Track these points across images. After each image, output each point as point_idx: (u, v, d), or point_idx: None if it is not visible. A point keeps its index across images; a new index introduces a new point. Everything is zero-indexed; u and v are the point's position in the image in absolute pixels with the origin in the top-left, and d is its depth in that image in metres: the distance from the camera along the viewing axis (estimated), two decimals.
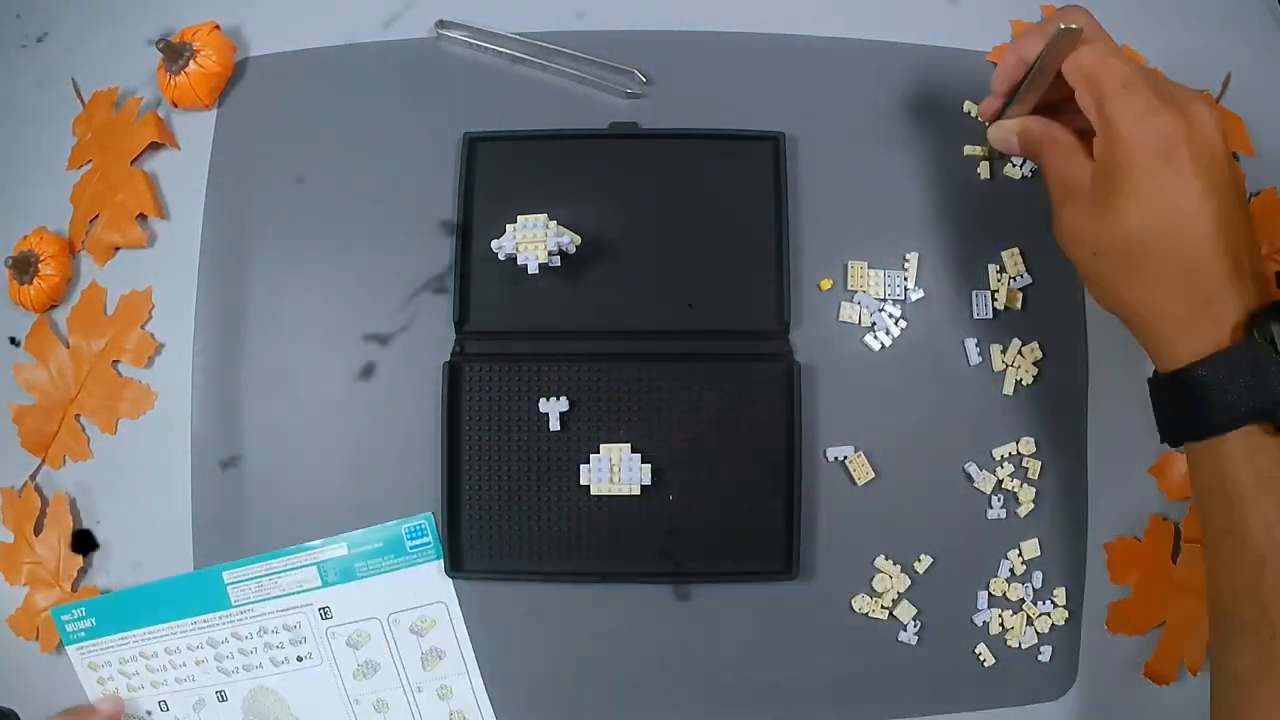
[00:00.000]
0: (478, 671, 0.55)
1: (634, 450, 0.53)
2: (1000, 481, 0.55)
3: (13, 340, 0.59)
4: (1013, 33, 0.59)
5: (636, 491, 0.53)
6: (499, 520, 0.55)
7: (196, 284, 0.58)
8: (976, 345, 0.56)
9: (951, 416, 0.56)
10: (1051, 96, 0.46)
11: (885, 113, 0.58)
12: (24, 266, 0.57)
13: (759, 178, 0.56)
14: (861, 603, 0.55)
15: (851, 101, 0.58)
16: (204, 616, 0.56)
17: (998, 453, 0.55)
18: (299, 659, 0.56)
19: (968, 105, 0.58)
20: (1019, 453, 0.56)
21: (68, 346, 0.58)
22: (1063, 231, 0.45)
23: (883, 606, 0.55)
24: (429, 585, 0.55)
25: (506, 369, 0.55)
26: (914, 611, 0.55)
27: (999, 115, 0.48)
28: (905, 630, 0.55)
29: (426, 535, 0.55)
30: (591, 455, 0.53)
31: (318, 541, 0.55)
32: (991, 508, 0.55)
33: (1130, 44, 0.59)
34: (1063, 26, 0.41)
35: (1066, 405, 0.56)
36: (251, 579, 0.56)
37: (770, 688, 0.55)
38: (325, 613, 0.56)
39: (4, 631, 0.58)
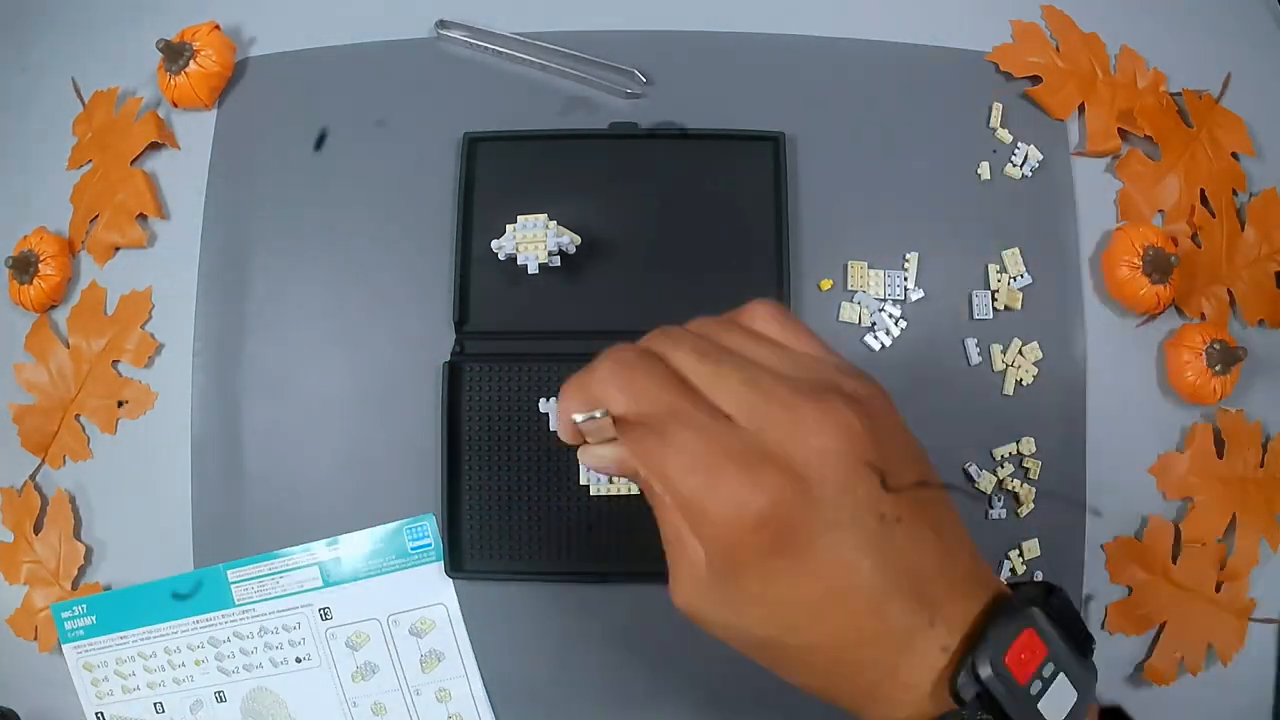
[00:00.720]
0: (477, 674, 0.55)
1: None
2: (1000, 481, 0.55)
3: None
4: (1013, 32, 0.59)
5: (636, 491, 0.53)
6: (499, 520, 0.55)
7: (196, 284, 0.58)
8: (976, 345, 0.56)
9: (951, 416, 0.56)
10: None
11: (885, 113, 0.58)
12: (24, 266, 0.57)
13: (759, 178, 0.56)
14: None
15: (851, 101, 0.58)
16: (206, 615, 0.56)
17: (998, 453, 0.55)
18: (298, 660, 0.56)
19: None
20: (1019, 453, 0.56)
21: (68, 346, 0.58)
22: (683, 604, 0.35)
23: None
24: (429, 587, 0.55)
25: (506, 369, 0.55)
26: None
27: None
28: None
29: (427, 536, 0.55)
30: None
31: (320, 541, 0.55)
32: (992, 508, 0.55)
33: (1130, 44, 0.59)
34: (598, 415, 0.33)
35: (1066, 405, 0.56)
36: (254, 578, 0.56)
37: (770, 688, 0.55)
38: (325, 613, 0.56)
39: (4, 631, 0.58)
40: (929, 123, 0.58)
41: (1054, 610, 0.33)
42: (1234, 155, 0.59)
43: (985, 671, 0.30)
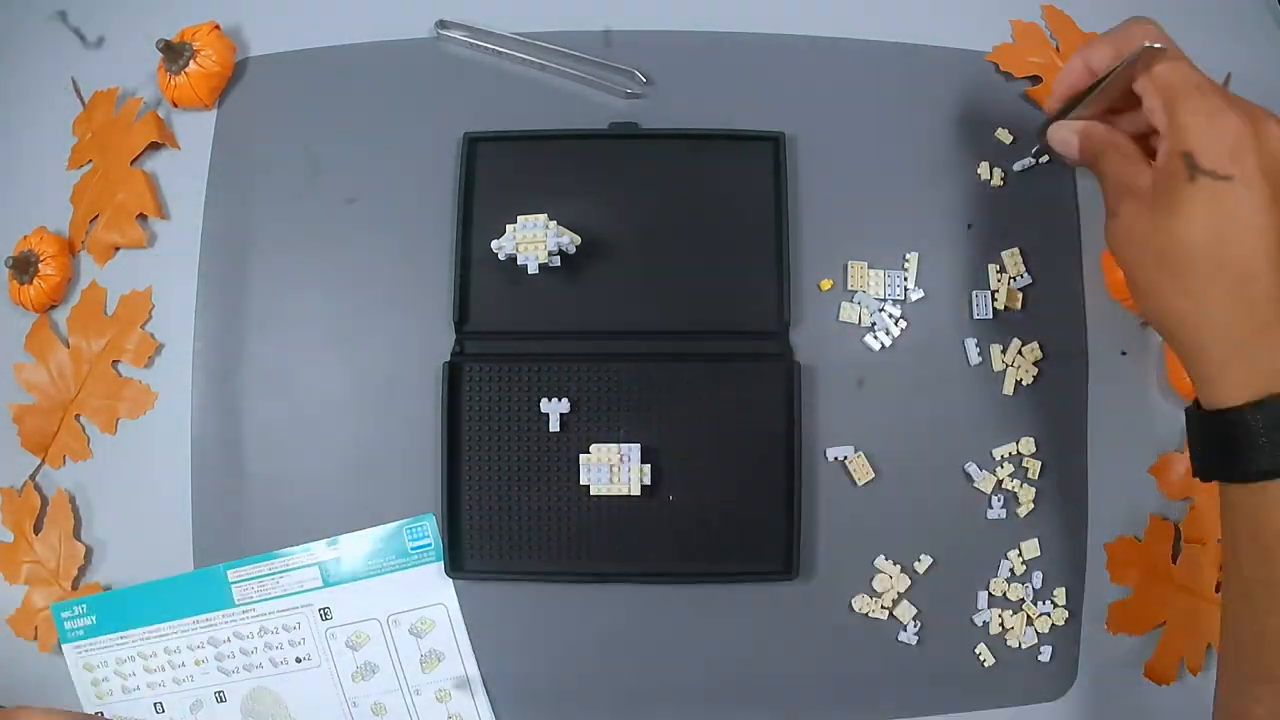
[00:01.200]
0: (477, 675, 0.55)
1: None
2: (1000, 481, 0.55)
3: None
4: (1013, 32, 0.59)
5: (636, 492, 0.53)
6: (499, 520, 0.55)
7: (196, 284, 0.58)
8: (976, 345, 0.56)
9: (951, 416, 0.56)
10: (1111, 103, 0.45)
11: (885, 113, 0.58)
12: (24, 266, 0.57)
13: (759, 178, 0.56)
14: (861, 603, 0.55)
15: (851, 101, 0.58)
16: (206, 615, 0.56)
17: (998, 453, 0.55)
18: (298, 660, 0.56)
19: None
20: (1019, 453, 0.56)
21: (68, 346, 0.58)
22: (1118, 233, 0.42)
23: (883, 606, 0.55)
24: (429, 587, 0.55)
25: (506, 369, 0.55)
26: (914, 611, 0.55)
27: (1057, 116, 0.47)
28: (905, 630, 0.55)
29: (427, 536, 0.55)
30: (593, 447, 0.53)
31: (321, 541, 0.55)
32: (991, 508, 0.55)
33: None
34: (1148, 44, 0.41)
35: (1066, 405, 0.56)
36: (254, 578, 0.56)
37: (770, 688, 0.55)
38: (325, 613, 0.56)
39: (4, 631, 0.58)
40: (929, 123, 0.58)
41: None
42: None
43: None
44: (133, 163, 0.59)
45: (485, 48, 0.59)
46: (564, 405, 0.54)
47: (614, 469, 0.53)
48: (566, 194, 0.56)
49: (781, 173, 0.56)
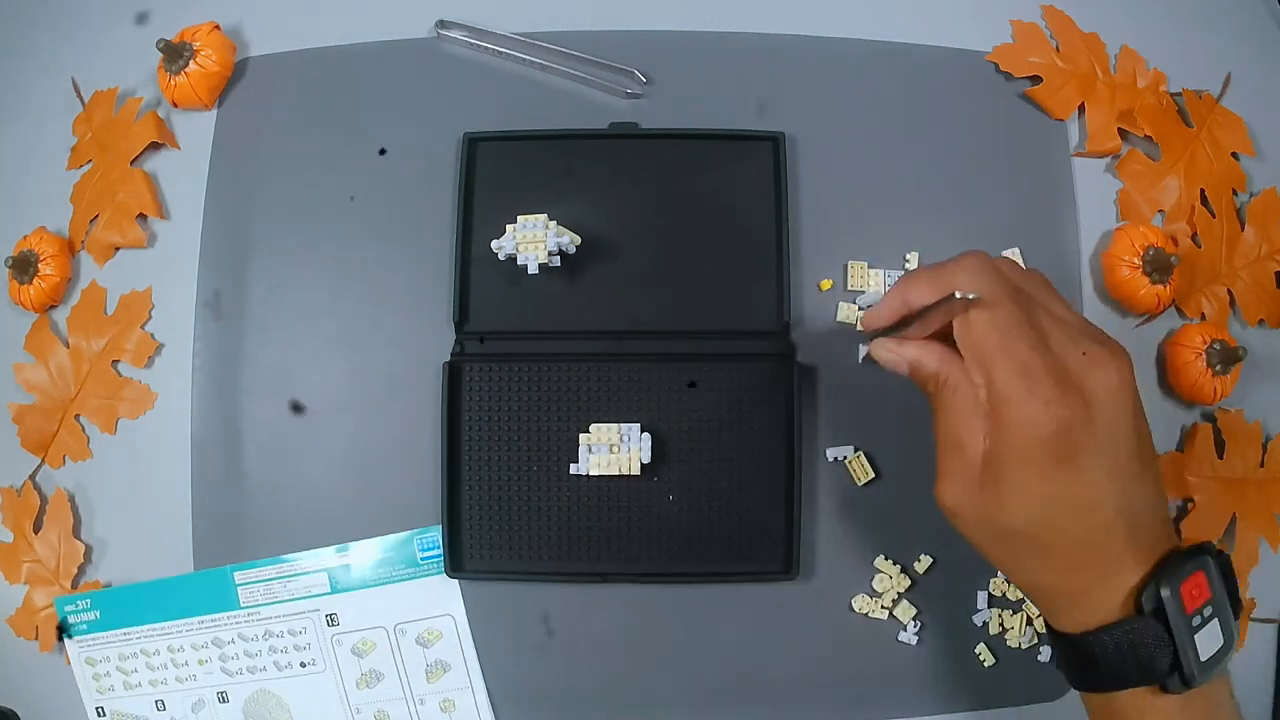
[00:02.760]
0: (483, 686, 0.55)
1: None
2: None
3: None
4: (1013, 32, 0.59)
5: (636, 470, 0.52)
6: (499, 520, 0.55)
7: (196, 284, 0.58)
8: None
9: None
10: (935, 331, 0.41)
11: (885, 113, 0.58)
12: (24, 266, 0.57)
13: (759, 178, 0.56)
14: (861, 603, 0.55)
15: (851, 101, 0.58)
16: (211, 616, 0.56)
17: None
18: (302, 664, 0.56)
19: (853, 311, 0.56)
20: None
21: (68, 346, 0.58)
22: (945, 504, 0.41)
23: (883, 606, 0.55)
24: (437, 597, 0.55)
25: (506, 369, 0.55)
26: (914, 611, 0.55)
27: (882, 332, 0.43)
28: (905, 630, 0.55)
29: (437, 547, 0.55)
30: (593, 426, 0.53)
31: (329, 548, 0.55)
32: None
33: (1130, 44, 0.59)
34: (958, 295, 0.38)
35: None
36: (261, 581, 0.56)
37: (770, 688, 0.55)
38: (332, 619, 0.55)
39: (4, 631, 0.58)
40: (929, 123, 0.58)
41: (1220, 567, 0.40)
42: (1234, 155, 0.59)
43: (1165, 592, 0.37)
44: (133, 163, 0.59)
45: (485, 48, 0.59)
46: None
47: (614, 447, 0.53)
48: (566, 194, 0.56)
49: (781, 173, 0.56)
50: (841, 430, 0.55)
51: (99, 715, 0.57)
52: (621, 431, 0.52)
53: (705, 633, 0.55)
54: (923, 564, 0.55)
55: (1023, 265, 0.56)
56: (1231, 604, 0.40)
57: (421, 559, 0.55)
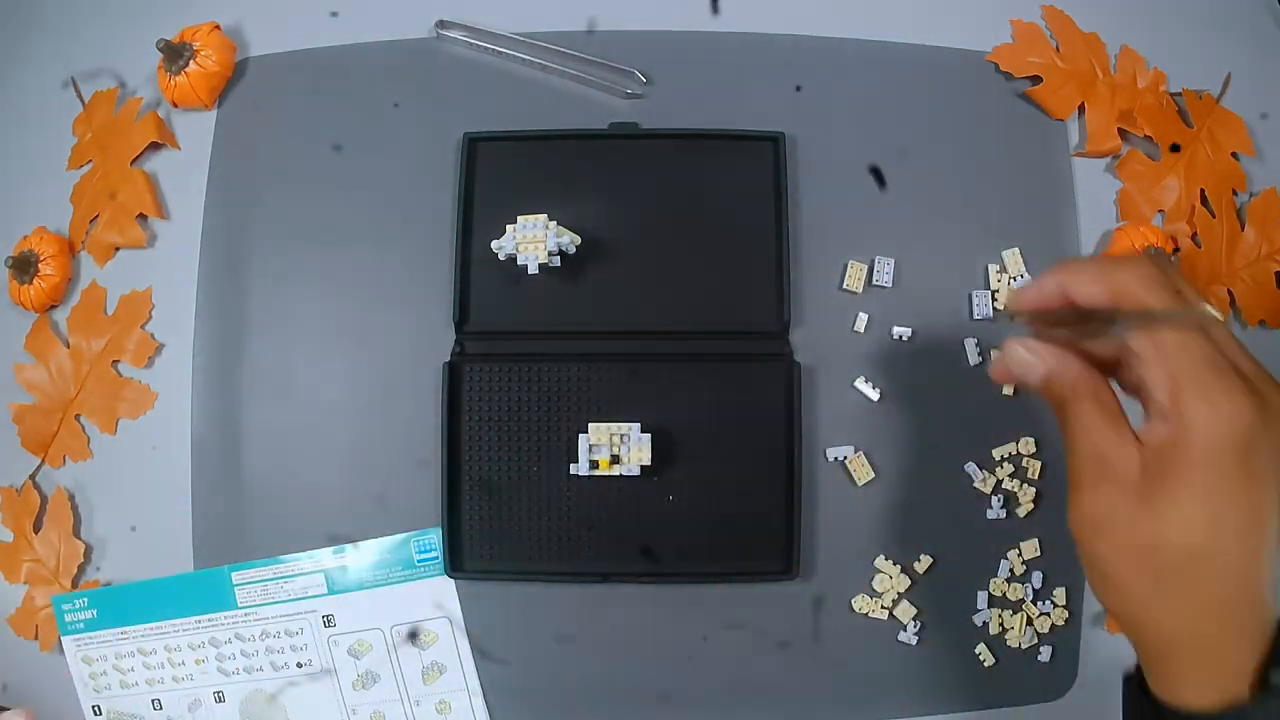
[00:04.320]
0: (478, 688, 0.55)
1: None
2: (1000, 481, 0.55)
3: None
4: (1013, 32, 0.59)
5: (637, 471, 0.52)
6: (499, 520, 0.55)
7: (196, 284, 0.58)
8: (976, 345, 0.56)
9: (951, 416, 0.56)
10: (1084, 335, 0.37)
11: (885, 113, 0.58)
12: (24, 266, 0.57)
13: (759, 178, 0.56)
14: (861, 603, 0.55)
15: (851, 101, 0.58)
16: (209, 616, 0.56)
17: (998, 453, 0.55)
18: (299, 665, 0.56)
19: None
20: (1019, 453, 0.56)
21: (68, 346, 0.58)
22: (1088, 519, 0.36)
23: (883, 606, 0.55)
24: (434, 599, 0.55)
25: (506, 369, 0.55)
26: (914, 611, 0.54)
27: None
28: (905, 630, 0.55)
29: (434, 550, 0.55)
30: (591, 426, 0.52)
31: (326, 549, 0.55)
32: (991, 508, 0.55)
33: (1130, 44, 0.59)
34: (1207, 308, 0.34)
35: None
36: (258, 582, 0.55)
37: (770, 688, 0.55)
38: (329, 620, 0.55)
39: (4, 631, 0.58)
40: (929, 123, 0.58)
41: None
42: (1234, 155, 0.59)
43: None
44: (133, 163, 0.59)
45: (485, 48, 0.59)
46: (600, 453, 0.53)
47: (614, 447, 0.52)
48: (566, 194, 0.56)
49: (781, 173, 0.56)
50: (841, 430, 0.55)
51: (95, 714, 0.57)
52: (621, 431, 0.52)
53: (705, 633, 0.55)
54: (923, 564, 0.55)
55: (1023, 266, 0.57)
56: None
57: (418, 561, 0.55)
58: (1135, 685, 0.38)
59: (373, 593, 0.55)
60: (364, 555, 0.55)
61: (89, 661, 0.57)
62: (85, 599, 0.56)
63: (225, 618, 0.56)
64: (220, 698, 0.56)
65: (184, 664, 0.56)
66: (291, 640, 0.56)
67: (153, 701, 0.57)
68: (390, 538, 0.55)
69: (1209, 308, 0.35)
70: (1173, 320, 0.34)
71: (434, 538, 0.55)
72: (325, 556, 0.55)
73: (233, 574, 0.56)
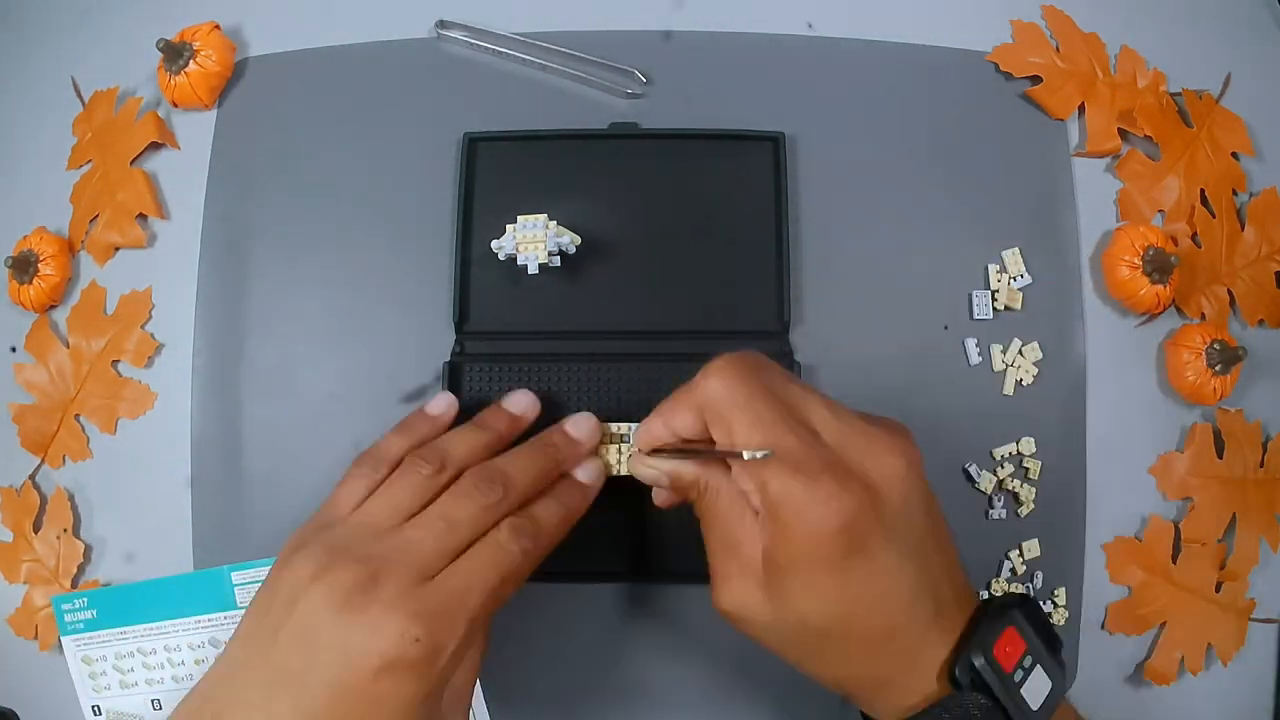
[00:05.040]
0: (478, 688, 0.55)
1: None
2: (1000, 481, 0.55)
3: (13, 349, 0.59)
4: (1013, 32, 0.59)
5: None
6: None
7: (196, 284, 0.58)
8: (976, 345, 0.56)
9: (951, 416, 0.56)
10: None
11: (885, 113, 0.58)
12: (24, 266, 0.57)
13: (759, 178, 0.56)
14: None
15: (851, 101, 0.58)
16: (209, 616, 0.56)
17: (998, 453, 0.55)
18: None
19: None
20: (1019, 453, 0.56)
21: (68, 346, 0.58)
22: (728, 612, 0.39)
23: None
24: None
25: (506, 369, 0.55)
26: None
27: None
28: None
29: None
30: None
31: None
32: (992, 508, 0.55)
33: (1130, 44, 0.59)
34: (747, 455, 0.36)
35: (1066, 405, 0.56)
36: (258, 581, 0.55)
37: (770, 688, 0.55)
38: None
39: (4, 631, 0.58)
40: (929, 123, 0.58)
41: (1028, 614, 0.39)
42: (1234, 155, 0.59)
43: (979, 661, 0.36)
44: (133, 163, 0.59)
45: (485, 48, 0.59)
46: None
47: (614, 447, 0.52)
48: (566, 194, 0.56)
49: (781, 173, 0.56)
50: None
51: (95, 714, 0.57)
52: (621, 432, 0.52)
53: (705, 633, 0.55)
54: None
55: (1023, 266, 0.57)
56: (1047, 644, 0.39)
57: None
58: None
59: None
60: None
61: (89, 662, 0.57)
62: (85, 599, 0.56)
63: (225, 617, 0.56)
64: None
65: (184, 664, 0.56)
66: None
67: (152, 702, 0.57)
68: None
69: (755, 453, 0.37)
70: (738, 454, 0.37)
71: None
72: None
73: (232, 574, 0.55)
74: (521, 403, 0.48)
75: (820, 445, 0.37)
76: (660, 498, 0.44)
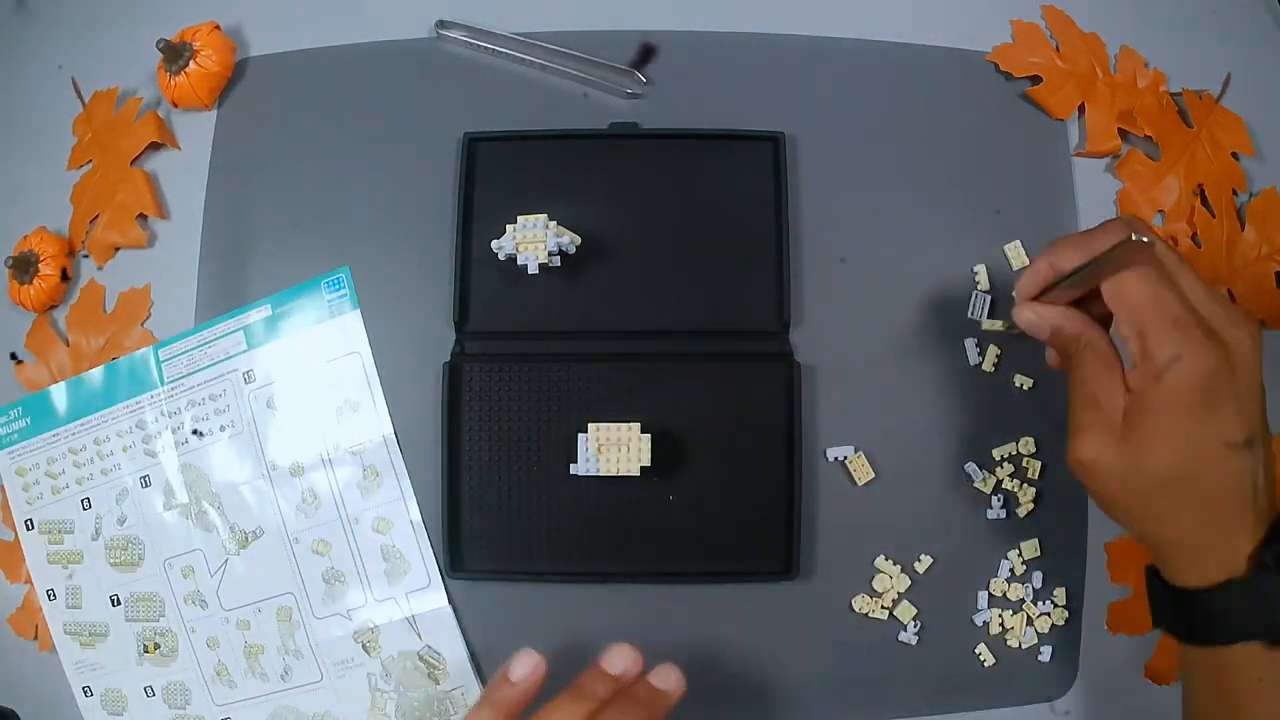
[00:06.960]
0: (414, 499, 0.55)
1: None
2: (1000, 481, 0.55)
3: (13, 356, 0.59)
4: (1013, 32, 0.59)
5: (636, 471, 0.52)
6: (499, 520, 0.55)
7: (196, 284, 0.58)
8: (976, 345, 0.56)
9: (951, 416, 0.56)
10: (1082, 294, 0.43)
11: (885, 113, 0.58)
12: (24, 266, 0.57)
13: (759, 178, 0.56)
14: (861, 603, 0.55)
15: (851, 101, 0.58)
16: (134, 399, 0.56)
17: (998, 453, 0.55)
18: (222, 428, 0.56)
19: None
20: (1019, 453, 0.56)
21: (67, 345, 0.58)
22: (1081, 460, 0.42)
23: (883, 606, 0.55)
24: (345, 337, 0.56)
25: (506, 369, 0.55)
26: (914, 611, 0.54)
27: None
28: (905, 630, 0.55)
29: (343, 287, 0.56)
30: (591, 426, 0.52)
31: (245, 306, 0.56)
32: (991, 508, 0.55)
33: (1130, 44, 0.59)
34: (1134, 238, 0.38)
35: (1066, 405, 0.56)
36: (184, 353, 0.56)
37: (770, 688, 0.55)
38: (248, 376, 0.56)
39: (4, 631, 0.58)
40: (929, 123, 0.58)
41: None
42: (1234, 155, 0.59)
43: None
44: (133, 163, 0.59)
45: (485, 48, 0.59)
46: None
47: (614, 447, 0.52)
48: (566, 194, 0.56)
49: (781, 173, 0.56)
50: (841, 430, 0.55)
51: (28, 528, 0.57)
52: (621, 431, 0.52)
53: (705, 633, 0.55)
54: (923, 564, 0.55)
55: (1025, 264, 0.57)
56: None
57: (329, 302, 0.56)
58: (1153, 572, 0.43)
59: (288, 340, 0.56)
60: (279, 305, 0.56)
61: (22, 473, 0.57)
62: (20, 408, 0.57)
63: (150, 397, 0.56)
64: (145, 482, 0.56)
65: (112, 454, 0.56)
66: (215, 404, 0.56)
67: (82, 502, 0.56)
68: (300, 284, 0.56)
69: (1159, 243, 0.40)
70: (1120, 253, 0.39)
71: (343, 275, 0.56)
72: (244, 314, 0.56)
73: (159, 351, 0.56)
74: (623, 660, 0.45)
75: (1191, 307, 0.40)
76: (1050, 358, 0.47)
